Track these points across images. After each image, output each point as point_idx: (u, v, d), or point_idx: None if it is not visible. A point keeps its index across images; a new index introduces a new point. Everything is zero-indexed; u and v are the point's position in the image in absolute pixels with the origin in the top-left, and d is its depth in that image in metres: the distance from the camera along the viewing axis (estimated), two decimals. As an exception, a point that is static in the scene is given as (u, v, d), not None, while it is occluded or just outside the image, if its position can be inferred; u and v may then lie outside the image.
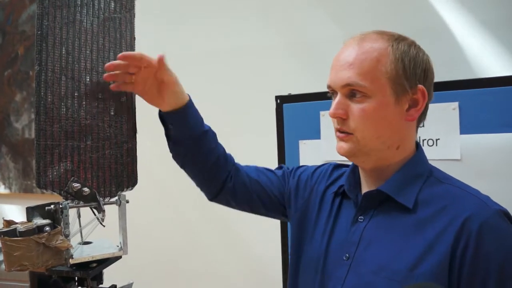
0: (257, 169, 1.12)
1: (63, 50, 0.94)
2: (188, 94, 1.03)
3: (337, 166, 1.04)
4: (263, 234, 1.95)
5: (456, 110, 1.34)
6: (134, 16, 1.04)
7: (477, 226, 0.74)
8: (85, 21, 0.97)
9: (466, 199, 0.79)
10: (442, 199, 0.80)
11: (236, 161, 1.13)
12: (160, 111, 1.03)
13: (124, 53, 0.95)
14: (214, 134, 1.07)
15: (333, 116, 0.85)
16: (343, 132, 0.84)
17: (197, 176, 1.09)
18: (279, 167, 1.15)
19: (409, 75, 0.81)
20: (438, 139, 1.36)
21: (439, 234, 0.76)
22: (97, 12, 0.98)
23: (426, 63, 0.84)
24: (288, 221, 1.12)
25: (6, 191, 2.64)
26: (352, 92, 0.82)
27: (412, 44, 0.84)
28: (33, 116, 2.56)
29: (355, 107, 0.82)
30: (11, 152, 2.64)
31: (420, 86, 0.82)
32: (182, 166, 1.08)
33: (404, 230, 0.80)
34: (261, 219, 1.94)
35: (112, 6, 1.00)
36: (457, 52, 1.65)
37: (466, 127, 1.33)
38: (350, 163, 0.98)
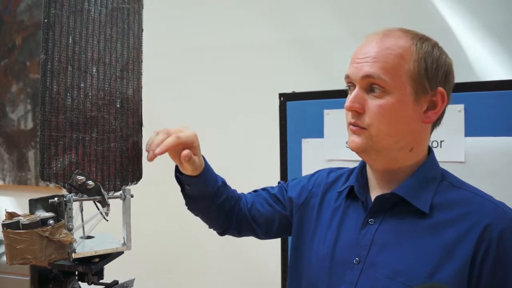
0: (256, 200, 1.10)
1: (70, 39, 0.91)
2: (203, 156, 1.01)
3: (332, 170, 1.03)
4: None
5: (461, 112, 1.34)
6: (142, 7, 1.02)
7: (497, 234, 0.73)
8: (92, 10, 0.94)
9: (485, 205, 0.78)
10: (459, 205, 0.79)
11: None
12: (176, 174, 1.02)
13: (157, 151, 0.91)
14: (226, 184, 1.07)
15: (349, 109, 0.82)
16: (357, 126, 0.82)
17: (209, 222, 1.10)
18: (278, 185, 1.14)
19: (430, 76, 0.80)
20: (443, 141, 1.36)
21: (458, 240, 0.75)
22: (105, 1, 0.96)
23: (449, 66, 0.82)
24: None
25: (0, 183, 2.61)
26: (371, 87, 0.80)
27: (436, 45, 0.83)
28: (29, 107, 2.52)
29: (373, 103, 0.80)
30: (6, 143, 2.60)
31: (440, 89, 0.81)
32: (196, 215, 1.09)
33: (419, 234, 0.78)
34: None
35: None
36: (460, 55, 1.64)
37: (471, 129, 1.33)
38: (346, 167, 0.97)
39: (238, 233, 1.11)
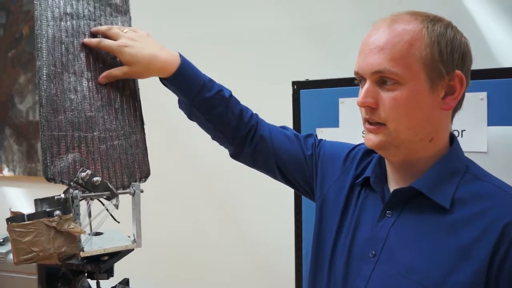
0: (285, 136, 1.04)
1: (63, 48, 0.92)
2: (180, 55, 0.96)
3: (367, 153, 0.96)
4: (275, 227, 1.91)
5: (484, 100, 1.28)
6: (130, 19, 1.04)
7: None
8: (81, 25, 0.95)
9: (507, 201, 0.73)
10: (481, 199, 0.74)
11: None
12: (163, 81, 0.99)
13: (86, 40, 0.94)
14: (222, 98, 0.98)
15: (362, 105, 0.78)
16: (373, 123, 0.78)
17: (208, 132, 1.04)
18: (309, 135, 1.07)
19: (446, 60, 0.74)
20: (464, 130, 1.30)
21: (476, 239, 0.71)
22: (93, 16, 0.98)
23: (464, 46, 0.77)
24: (308, 195, 1.06)
25: (10, 174, 2.59)
26: (382, 79, 0.76)
27: (449, 25, 0.77)
28: (37, 97, 2.50)
29: (386, 96, 0.75)
30: (15, 134, 2.58)
31: (458, 72, 0.75)
32: (201, 123, 1.02)
33: (437, 231, 0.74)
34: (273, 212, 1.90)
35: (108, 10, 1.00)
36: (480, 41, 1.58)
37: (494, 118, 1.27)
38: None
39: (253, 158, 1.03)
